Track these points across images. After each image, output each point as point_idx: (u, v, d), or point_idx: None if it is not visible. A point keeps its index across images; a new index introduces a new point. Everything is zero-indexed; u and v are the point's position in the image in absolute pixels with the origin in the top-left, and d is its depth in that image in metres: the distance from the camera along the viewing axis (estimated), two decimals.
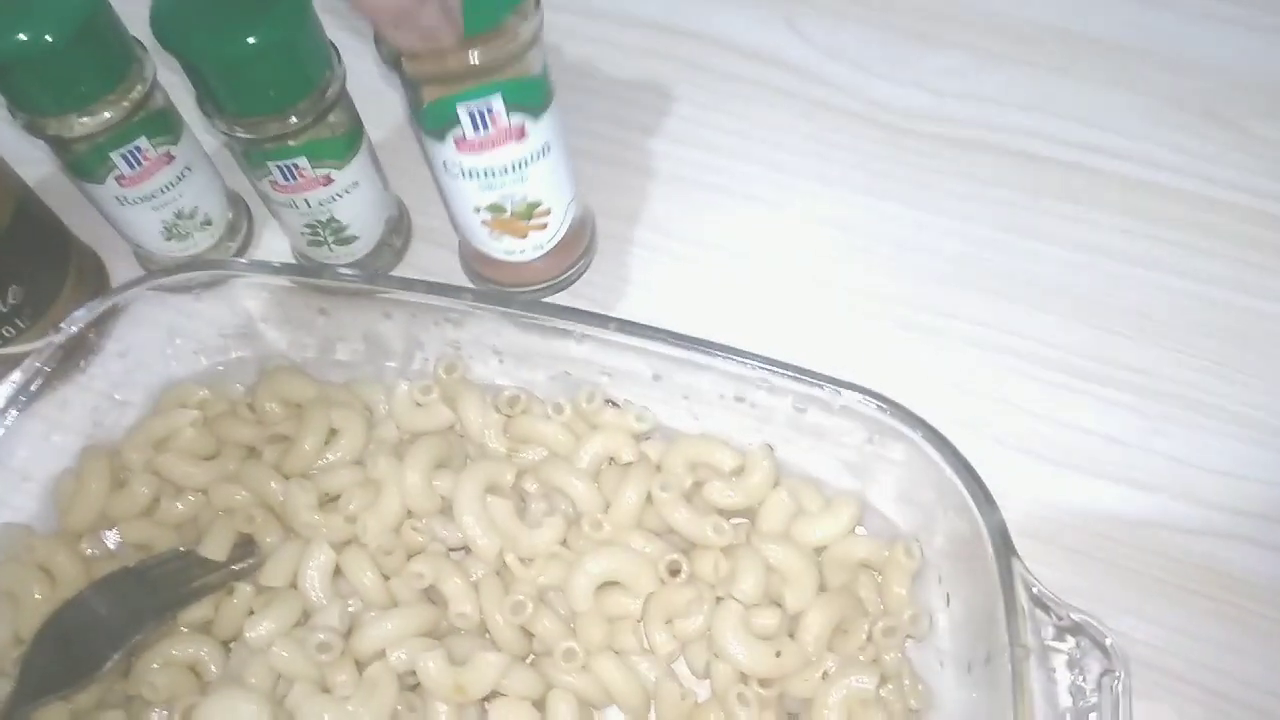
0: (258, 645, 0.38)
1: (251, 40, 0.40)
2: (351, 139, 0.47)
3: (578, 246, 0.51)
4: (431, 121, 0.41)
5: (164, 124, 0.47)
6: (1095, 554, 0.44)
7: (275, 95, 0.43)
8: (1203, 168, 0.54)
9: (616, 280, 0.53)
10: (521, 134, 0.42)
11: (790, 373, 0.39)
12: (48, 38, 0.41)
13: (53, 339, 0.42)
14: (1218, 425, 0.47)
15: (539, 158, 0.43)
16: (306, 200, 0.47)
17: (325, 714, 0.36)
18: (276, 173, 0.46)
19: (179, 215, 0.50)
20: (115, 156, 0.46)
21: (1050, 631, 0.34)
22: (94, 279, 0.53)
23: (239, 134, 0.44)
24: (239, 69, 0.41)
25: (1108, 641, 0.33)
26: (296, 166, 0.46)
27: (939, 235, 0.53)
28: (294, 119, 0.44)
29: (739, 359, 0.39)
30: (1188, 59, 0.58)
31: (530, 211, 0.46)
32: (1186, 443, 0.47)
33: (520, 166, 0.43)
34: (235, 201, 0.54)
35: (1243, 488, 0.45)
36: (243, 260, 0.53)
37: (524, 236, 0.47)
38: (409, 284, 0.43)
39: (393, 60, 0.39)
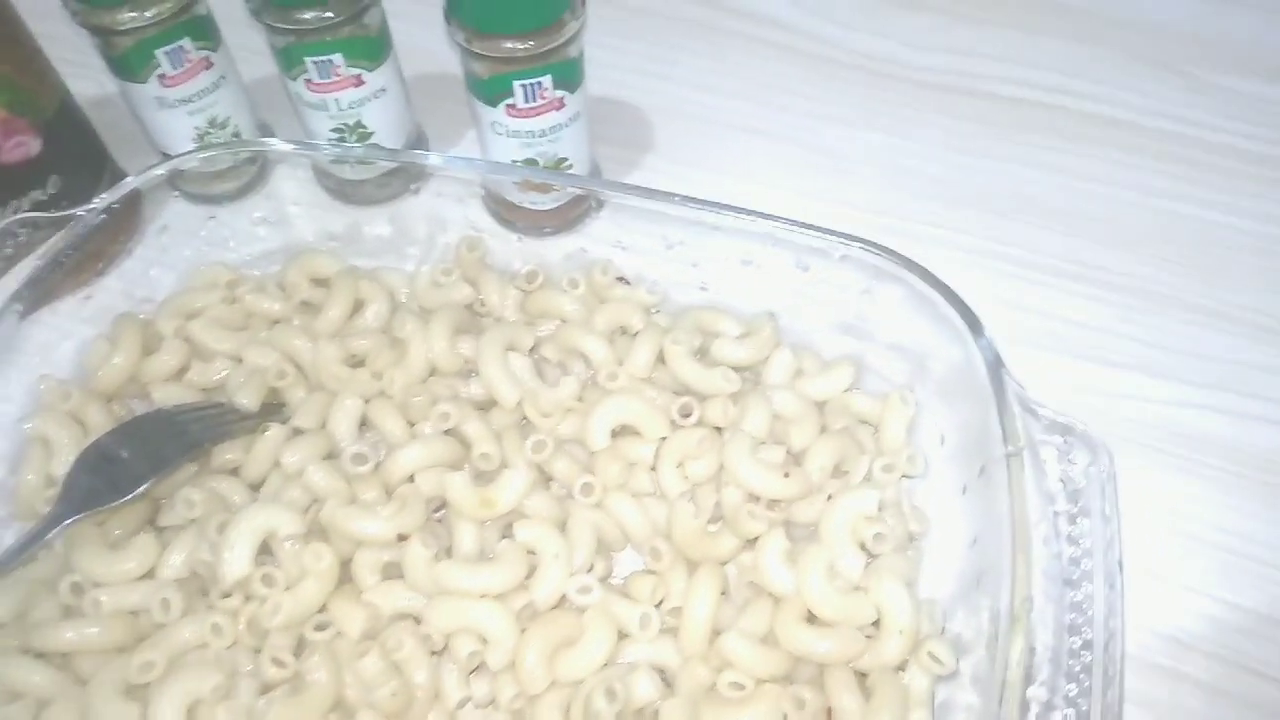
0: (292, 468, 0.40)
1: None
2: (383, 42, 0.50)
3: (587, 198, 0.55)
4: (489, 91, 0.46)
5: (205, 29, 0.51)
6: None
7: None
8: (1155, 105, 0.60)
9: None
10: (561, 105, 0.48)
11: (795, 226, 0.42)
12: None
13: (106, 198, 0.44)
14: (1177, 314, 0.51)
15: (572, 123, 0.49)
16: (338, 100, 0.51)
17: (356, 522, 0.38)
18: (312, 69, 0.49)
19: (212, 123, 0.53)
20: (160, 54, 0.49)
21: (1039, 429, 0.36)
22: None
23: (281, 26, 0.47)
24: None
25: (1084, 429, 0.36)
26: (332, 63, 0.49)
27: (922, 160, 0.58)
28: (331, 12, 0.47)
29: (748, 215, 0.43)
30: (1137, 17, 0.64)
31: (557, 166, 0.50)
32: (1150, 327, 0.51)
33: (556, 130, 0.48)
34: (261, 128, 0.58)
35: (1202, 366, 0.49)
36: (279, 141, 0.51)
37: (546, 191, 0.51)
38: (453, 162, 0.47)
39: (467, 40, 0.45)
